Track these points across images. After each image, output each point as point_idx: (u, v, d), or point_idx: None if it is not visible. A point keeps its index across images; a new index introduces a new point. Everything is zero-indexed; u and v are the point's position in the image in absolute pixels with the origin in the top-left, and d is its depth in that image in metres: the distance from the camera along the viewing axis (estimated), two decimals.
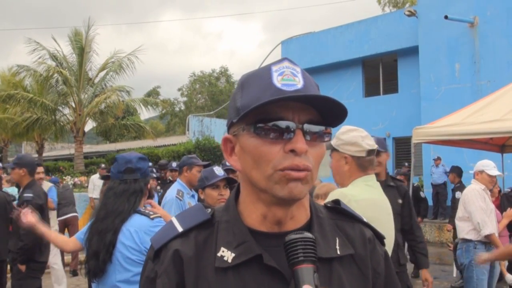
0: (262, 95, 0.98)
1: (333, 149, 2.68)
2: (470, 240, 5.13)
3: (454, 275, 8.59)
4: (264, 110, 0.99)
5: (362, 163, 2.59)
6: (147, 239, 2.60)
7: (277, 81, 1.01)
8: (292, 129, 0.99)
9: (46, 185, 7.34)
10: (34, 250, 5.17)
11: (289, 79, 1.02)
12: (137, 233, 2.62)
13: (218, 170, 3.90)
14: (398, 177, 6.86)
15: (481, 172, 5.30)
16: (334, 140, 2.67)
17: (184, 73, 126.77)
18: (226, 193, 3.83)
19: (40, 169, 7.14)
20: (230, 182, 3.93)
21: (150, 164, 4.02)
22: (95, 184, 12.23)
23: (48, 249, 5.55)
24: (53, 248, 6.04)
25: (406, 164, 13.73)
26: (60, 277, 7.40)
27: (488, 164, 5.32)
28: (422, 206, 9.20)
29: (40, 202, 5.21)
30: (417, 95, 15.55)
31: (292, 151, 0.98)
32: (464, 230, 5.21)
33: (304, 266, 0.92)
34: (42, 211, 5.11)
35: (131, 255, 2.60)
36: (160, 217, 2.76)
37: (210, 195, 3.85)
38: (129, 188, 2.82)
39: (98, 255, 2.69)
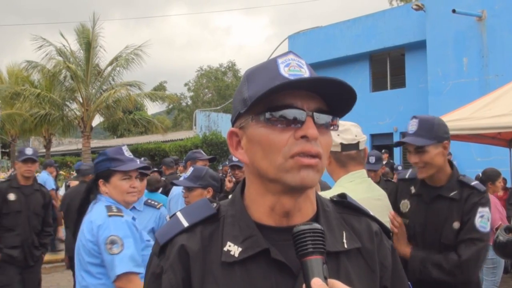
0: (270, 85, 0.98)
1: None
2: None
3: None
4: (273, 99, 0.99)
5: (340, 158, 2.47)
6: (99, 232, 2.62)
7: (284, 71, 1.02)
8: (302, 116, 0.99)
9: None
10: None
11: (296, 69, 1.03)
12: (91, 223, 2.66)
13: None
14: None
15: None
16: None
17: (191, 68, 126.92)
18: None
19: None
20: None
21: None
22: None
23: None
24: None
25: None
26: None
27: None
28: None
29: None
30: (424, 90, 15.44)
31: (303, 137, 0.98)
32: None
33: (313, 258, 0.91)
34: None
35: (87, 245, 2.64)
36: (121, 216, 2.71)
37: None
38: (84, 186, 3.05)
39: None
